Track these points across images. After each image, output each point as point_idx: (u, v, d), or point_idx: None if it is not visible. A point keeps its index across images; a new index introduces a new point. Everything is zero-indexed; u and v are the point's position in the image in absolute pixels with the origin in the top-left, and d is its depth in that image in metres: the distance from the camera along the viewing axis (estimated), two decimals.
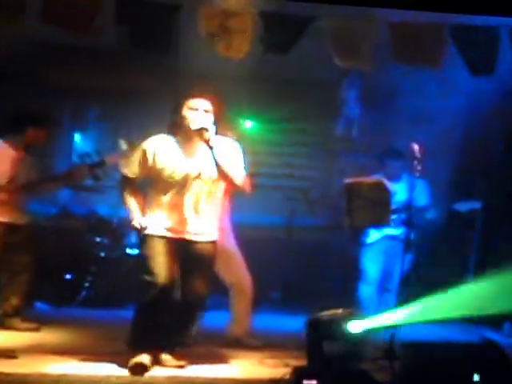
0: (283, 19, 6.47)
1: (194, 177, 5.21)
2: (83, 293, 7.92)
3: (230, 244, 6.30)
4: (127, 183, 5.35)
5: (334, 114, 8.75)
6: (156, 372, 5.08)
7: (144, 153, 5.26)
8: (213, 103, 5.25)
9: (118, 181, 5.43)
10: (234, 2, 6.43)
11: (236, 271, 6.30)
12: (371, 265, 7.12)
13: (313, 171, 9.57)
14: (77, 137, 9.44)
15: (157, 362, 5.23)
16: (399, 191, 6.80)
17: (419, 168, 5.81)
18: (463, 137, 8.42)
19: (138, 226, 5.24)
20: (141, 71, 8.36)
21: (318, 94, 8.80)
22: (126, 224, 8.16)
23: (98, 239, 8.23)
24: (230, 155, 5.22)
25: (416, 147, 5.80)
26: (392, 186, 6.82)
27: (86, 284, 7.97)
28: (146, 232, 5.25)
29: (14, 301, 6.47)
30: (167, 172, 5.21)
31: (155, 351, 5.24)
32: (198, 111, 5.17)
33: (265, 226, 8.63)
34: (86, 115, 9.54)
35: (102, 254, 8.13)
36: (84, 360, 5.27)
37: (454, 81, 7.48)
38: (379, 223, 6.77)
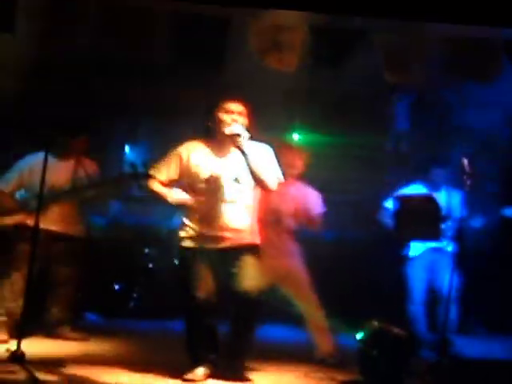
0: (333, 33, 6.48)
1: (229, 181, 5.21)
2: (132, 304, 7.97)
3: (297, 266, 6.29)
4: (153, 183, 5.37)
5: (383, 129, 8.72)
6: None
7: (178, 157, 5.29)
8: (246, 108, 5.26)
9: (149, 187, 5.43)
10: (284, 17, 6.45)
11: (303, 294, 6.26)
12: (417, 282, 7.04)
13: (363, 185, 9.52)
14: (128, 149, 9.53)
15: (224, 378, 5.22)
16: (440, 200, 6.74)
17: (469, 183, 5.76)
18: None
19: (178, 199, 5.25)
20: (192, 86, 8.42)
21: (367, 108, 8.77)
22: (174, 235, 8.25)
23: (146, 250, 8.28)
24: (261, 158, 5.21)
25: (466, 162, 5.75)
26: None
27: (135, 295, 8.03)
28: (182, 244, 5.28)
29: (56, 312, 6.54)
30: (201, 176, 5.22)
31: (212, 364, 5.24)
32: (232, 114, 5.18)
33: (309, 238, 8.61)
34: (139, 128, 9.64)
35: (151, 265, 8.18)
36: (133, 371, 5.29)
37: (504, 93, 7.41)
38: (429, 237, 6.73)
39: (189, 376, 5.10)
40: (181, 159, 5.29)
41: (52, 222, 6.34)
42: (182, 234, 5.29)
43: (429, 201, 6.59)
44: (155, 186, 5.35)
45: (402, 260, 7.17)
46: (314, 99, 8.63)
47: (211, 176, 5.22)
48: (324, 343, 6.13)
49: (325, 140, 9.35)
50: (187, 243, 5.26)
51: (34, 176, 6.11)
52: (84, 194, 6.51)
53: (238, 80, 7.86)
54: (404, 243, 7.07)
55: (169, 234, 8.18)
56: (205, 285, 5.17)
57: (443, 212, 6.63)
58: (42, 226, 5.85)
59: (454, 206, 6.77)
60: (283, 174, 5.38)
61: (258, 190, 5.36)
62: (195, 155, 5.28)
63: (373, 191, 9.33)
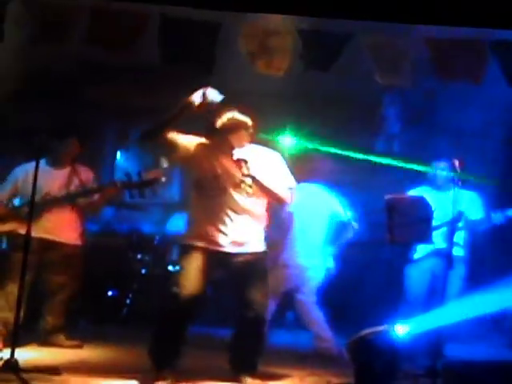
0: (323, 37, 6.49)
1: (234, 187, 5.17)
2: (125, 310, 7.96)
3: None
4: None
5: (374, 131, 8.73)
6: None
7: (184, 159, 5.28)
8: (250, 117, 5.26)
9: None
10: (273, 21, 6.46)
11: None
12: (416, 284, 7.01)
13: (353, 187, 9.53)
14: (119, 154, 9.53)
15: None
16: (446, 202, 6.69)
17: (460, 183, 5.76)
18: (504, 150, 8.34)
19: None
20: (183, 90, 8.41)
21: (358, 110, 8.78)
22: (167, 241, 8.25)
23: (139, 256, 8.28)
24: (272, 172, 5.19)
25: (457, 162, 5.76)
26: (439, 196, 6.75)
27: (128, 301, 8.02)
28: (185, 242, 5.26)
29: (51, 319, 6.54)
30: (206, 181, 5.20)
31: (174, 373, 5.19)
32: (237, 129, 5.17)
33: None
34: (130, 134, 9.64)
35: (144, 271, 8.17)
36: (126, 377, 5.29)
37: (494, 95, 7.42)
38: (420, 240, 6.71)
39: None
40: (186, 161, 5.28)
41: (46, 230, 6.35)
42: (187, 232, 5.27)
43: (420, 203, 6.59)
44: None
45: (403, 263, 7.13)
46: (305, 102, 8.63)
47: (218, 178, 5.19)
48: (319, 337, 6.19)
49: (316, 143, 9.36)
50: (189, 240, 5.24)
51: (28, 184, 6.09)
52: (78, 202, 6.51)
53: (229, 84, 7.88)
54: (397, 245, 7.04)
55: (161, 240, 8.18)
56: (194, 284, 5.12)
57: (443, 210, 6.60)
58: (36, 234, 5.87)
59: (462, 207, 6.67)
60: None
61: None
62: (202, 156, 5.25)
63: (364, 193, 9.37)
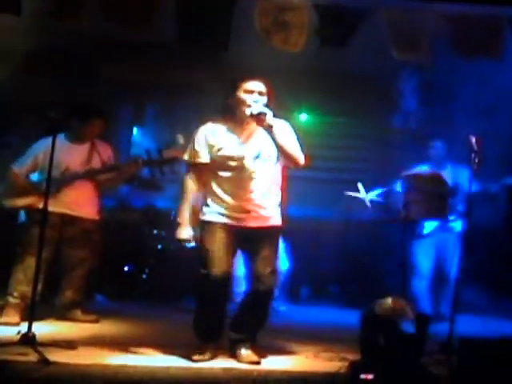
0: (339, 12, 6.46)
1: (253, 160, 5.18)
2: (141, 285, 8.00)
3: None
4: (189, 172, 5.34)
5: (391, 107, 8.68)
6: (212, 363, 5.12)
7: (198, 139, 5.27)
8: (266, 85, 5.22)
9: (185, 171, 5.40)
10: None
11: None
12: (423, 258, 7.11)
13: (370, 164, 9.52)
14: (136, 131, 9.54)
15: (234, 356, 5.27)
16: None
17: (477, 160, 5.74)
18: None
19: (181, 237, 5.27)
20: (198, 66, 8.41)
21: (375, 86, 8.74)
22: None
23: (155, 232, 8.31)
24: (286, 135, 5.19)
25: (473, 140, 5.73)
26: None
27: (144, 276, 8.06)
28: (205, 218, 5.26)
29: (69, 294, 6.57)
30: (225, 156, 5.19)
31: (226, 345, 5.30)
32: (254, 94, 5.14)
33: (321, 219, 8.61)
34: (146, 110, 9.64)
35: (159, 247, 8.20)
36: (142, 352, 5.34)
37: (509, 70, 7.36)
38: (437, 216, 6.72)
39: (197, 357, 5.14)
40: (203, 140, 5.26)
41: (65, 205, 6.39)
42: (206, 209, 5.27)
43: (436, 179, 6.58)
44: (190, 189, 5.31)
45: (411, 238, 7.17)
46: (321, 79, 8.60)
47: (235, 155, 5.19)
48: None
49: (332, 120, 9.35)
50: (209, 217, 5.24)
51: (48, 159, 6.12)
52: (97, 178, 6.54)
53: (244, 60, 7.86)
54: (413, 222, 7.06)
55: (177, 215, 8.19)
56: (222, 262, 5.15)
57: (450, 189, 6.62)
58: (55, 209, 5.91)
59: (460, 182, 6.76)
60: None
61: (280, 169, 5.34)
62: (217, 135, 5.25)
63: (381, 170, 9.35)
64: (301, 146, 5.28)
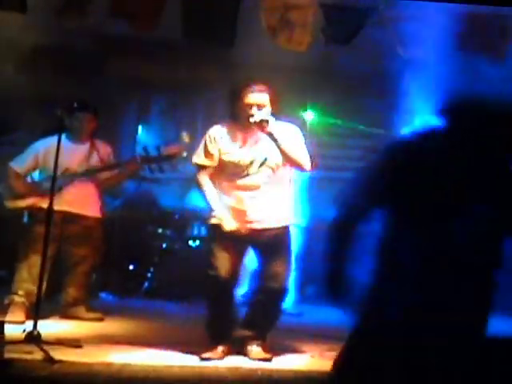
0: (344, 10, 6.45)
1: (258, 165, 5.21)
2: (146, 284, 8.01)
3: None
4: (199, 173, 5.34)
5: (396, 105, 8.67)
6: (217, 362, 5.11)
7: (208, 141, 5.28)
8: (269, 91, 5.22)
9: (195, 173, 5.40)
10: None
11: None
12: None
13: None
14: (141, 129, 9.53)
15: (244, 353, 5.28)
16: None
17: None
18: None
19: (218, 222, 5.23)
20: (204, 64, 8.40)
21: (380, 84, 8.72)
22: (187, 216, 8.26)
23: (160, 230, 8.31)
24: (291, 139, 5.21)
25: None
26: None
27: (149, 275, 8.06)
28: (212, 222, 5.27)
29: (72, 292, 6.58)
30: (232, 160, 5.22)
31: (233, 343, 5.31)
32: (253, 108, 5.13)
33: (328, 218, 8.57)
34: (151, 108, 9.63)
35: (164, 246, 8.20)
36: (147, 350, 5.32)
37: None
38: None
39: (207, 355, 5.15)
40: (211, 143, 5.27)
41: (67, 203, 6.38)
42: (213, 212, 5.27)
43: None
44: (206, 182, 5.30)
45: None
46: (326, 77, 8.58)
47: (242, 159, 5.22)
48: None
49: (337, 119, 9.33)
50: (216, 220, 5.24)
51: (48, 158, 6.13)
52: (98, 176, 6.54)
53: (250, 58, 7.86)
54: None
55: (182, 214, 8.20)
56: (229, 265, 5.19)
57: None
58: (57, 207, 5.90)
59: None
60: None
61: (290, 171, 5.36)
62: (224, 140, 5.27)
63: None
64: (308, 147, 5.30)
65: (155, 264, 8.09)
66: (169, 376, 4.73)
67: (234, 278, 5.26)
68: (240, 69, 8.07)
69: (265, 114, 5.10)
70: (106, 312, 6.70)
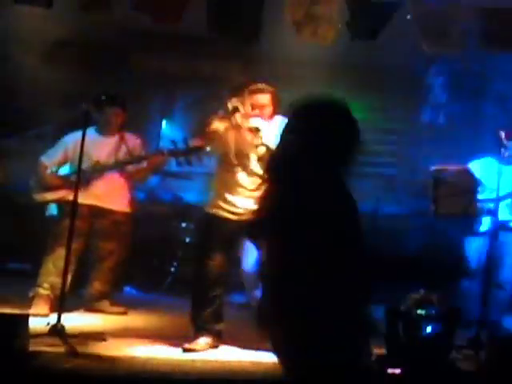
0: (370, 5, 6.42)
1: (256, 160, 5.28)
2: (169, 278, 8.02)
3: None
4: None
5: (420, 101, 8.64)
6: (242, 356, 5.12)
7: (211, 133, 5.38)
8: (271, 93, 5.29)
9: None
10: None
11: None
12: (474, 255, 6.68)
13: (399, 158, 9.46)
14: (165, 123, 9.55)
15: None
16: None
17: (506, 155, 5.67)
18: None
19: None
20: (229, 57, 8.41)
21: (404, 80, 8.69)
22: None
23: (183, 225, 8.32)
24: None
25: (503, 134, 5.67)
26: (504, 169, 6.41)
27: (172, 269, 8.08)
28: (208, 211, 5.36)
29: (98, 285, 6.60)
30: (230, 152, 5.31)
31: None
32: (256, 104, 5.25)
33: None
34: (177, 102, 9.65)
35: (188, 240, 8.22)
36: (170, 344, 5.34)
37: None
38: (465, 213, 6.53)
39: (189, 345, 5.17)
40: (213, 134, 5.37)
41: (96, 197, 6.42)
42: (210, 201, 5.37)
43: (464, 174, 6.49)
44: None
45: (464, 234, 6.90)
46: (350, 72, 8.56)
47: (239, 152, 5.29)
48: None
49: (361, 113, 9.29)
50: (212, 209, 5.34)
51: (77, 151, 6.14)
52: (126, 170, 6.57)
53: (274, 53, 7.86)
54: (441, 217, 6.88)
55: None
56: (218, 254, 5.26)
57: (479, 186, 6.44)
58: (85, 201, 5.94)
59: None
60: None
61: None
62: (224, 132, 5.34)
63: (409, 164, 9.29)
64: None
65: (179, 258, 8.11)
66: (191, 370, 4.74)
67: (223, 269, 5.31)
68: (264, 63, 8.09)
69: (258, 121, 5.18)
70: (129, 306, 6.73)
